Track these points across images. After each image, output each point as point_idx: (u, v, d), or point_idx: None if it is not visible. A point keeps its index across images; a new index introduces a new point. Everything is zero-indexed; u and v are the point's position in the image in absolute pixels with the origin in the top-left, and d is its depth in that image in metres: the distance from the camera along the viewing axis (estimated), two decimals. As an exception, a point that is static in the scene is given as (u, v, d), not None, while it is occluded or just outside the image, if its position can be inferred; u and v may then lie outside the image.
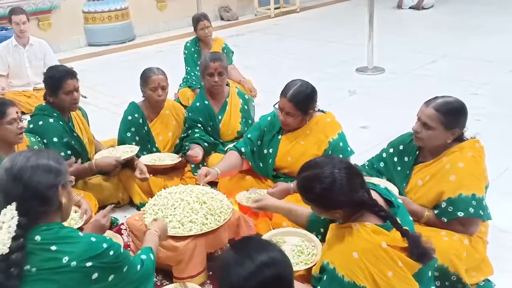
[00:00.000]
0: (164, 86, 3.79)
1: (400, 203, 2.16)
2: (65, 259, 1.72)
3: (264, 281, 1.54)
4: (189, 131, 3.97)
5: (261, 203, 2.74)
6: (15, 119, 2.99)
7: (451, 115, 2.55)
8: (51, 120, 3.46)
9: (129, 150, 3.66)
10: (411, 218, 2.17)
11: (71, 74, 3.49)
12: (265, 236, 2.74)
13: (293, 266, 2.45)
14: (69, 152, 3.46)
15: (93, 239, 1.83)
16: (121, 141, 3.85)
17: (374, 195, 2.07)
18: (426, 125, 2.58)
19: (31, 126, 3.46)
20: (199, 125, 3.98)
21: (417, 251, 1.94)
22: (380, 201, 2.07)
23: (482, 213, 2.50)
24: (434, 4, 11.54)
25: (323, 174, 1.98)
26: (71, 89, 3.46)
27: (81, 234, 1.85)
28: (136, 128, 3.82)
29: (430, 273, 2.10)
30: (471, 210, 2.47)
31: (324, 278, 2.02)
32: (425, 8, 11.43)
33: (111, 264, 1.83)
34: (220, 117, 4.04)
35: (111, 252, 1.83)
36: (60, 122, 3.50)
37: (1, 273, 1.67)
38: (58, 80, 3.44)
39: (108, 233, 2.97)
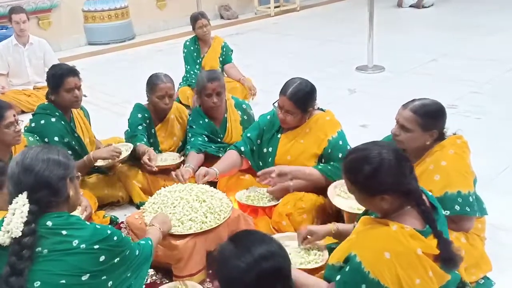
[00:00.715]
0: (171, 94, 3.77)
1: (442, 213, 2.12)
2: (75, 242, 1.85)
3: (262, 274, 1.54)
4: (192, 139, 3.83)
5: (312, 239, 2.61)
6: (12, 122, 2.98)
7: (428, 117, 2.56)
8: (53, 119, 3.46)
9: (124, 149, 3.64)
10: (447, 228, 2.12)
11: (73, 72, 3.50)
12: None
13: (305, 264, 2.47)
14: (69, 152, 3.44)
15: (97, 226, 1.97)
16: (132, 135, 3.77)
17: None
18: (404, 127, 2.58)
19: (32, 124, 3.47)
20: (204, 136, 3.88)
21: (445, 254, 1.91)
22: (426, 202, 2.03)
23: (468, 210, 2.49)
24: (434, 3, 11.52)
25: (371, 155, 1.95)
26: (72, 87, 3.46)
27: (87, 222, 1.99)
28: (146, 124, 3.80)
29: None
30: (457, 207, 2.48)
31: (347, 269, 1.97)
32: (425, 7, 11.41)
33: (115, 248, 1.96)
34: (221, 135, 3.94)
35: (115, 238, 1.97)
36: (62, 122, 3.50)
37: (14, 255, 1.79)
38: (59, 78, 3.45)
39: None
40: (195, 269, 2.70)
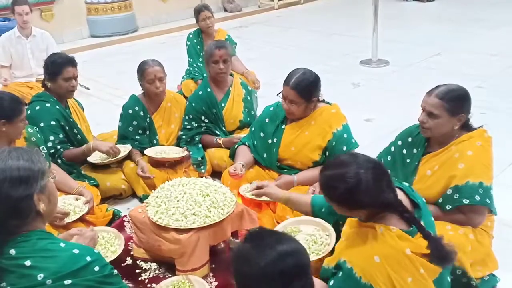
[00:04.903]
0: (161, 77, 3.75)
1: (422, 201, 2.12)
2: (40, 276, 1.54)
3: (285, 270, 1.51)
4: (193, 123, 3.97)
5: (262, 191, 2.73)
6: (25, 115, 3.02)
7: (455, 101, 2.55)
8: (47, 104, 3.53)
9: (122, 150, 3.67)
10: (432, 219, 2.13)
11: (72, 62, 3.58)
12: (282, 225, 2.76)
13: None
14: (63, 135, 3.54)
15: (75, 251, 1.61)
16: (123, 135, 3.83)
17: (400, 194, 2.02)
18: (432, 114, 2.57)
19: (28, 112, 3.49)
20: (203, 117, 3.98)
21: (438, 253, 1.90)
22: (406, 201, 2.02)
23: (488, 202, 2.48)
24: (439, -4, 11.49)
25: (348, 174, 1.90)
26: (70, 76, 3.54)
27: (62, 245, 1.64)
28: (138, 121, 3.81)
29: (449, 278, 2.07)
30: (477, 197, 2.46)
31: (339, 275, 1.98)
32: (430, 0, 11.37)
33: (97, 284, 1.60)
34: (222, 105, 4.06)
35: (96, 268, 1.61)
36: (57, 107, 3.55)
37: None
38: (59, 66, 3.52)
39: (112, 232, 2.96)
40: (198, 263, 2.69)
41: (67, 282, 1.54)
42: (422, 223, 1.96)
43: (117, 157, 3.57)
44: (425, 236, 1.93)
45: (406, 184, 2.19)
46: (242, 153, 3.44)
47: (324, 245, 2.55)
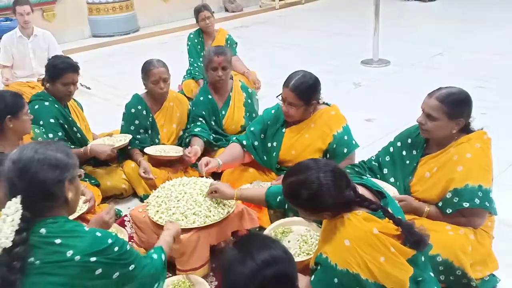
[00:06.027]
0: (165, 78, 3.76)
1: (391, 198, 2.15)
2: (69, 253, 1.71)
3: (266, 280, 1.53)
4: (192, 124, 3.97)
5: (216, 195, 2.76)
6: (28, 109, 3.06)
7: (454, 105, 2.55)
8: (46, 103, 3.55)
9: (122, 139, 3.69)
10: (398, 204, 2.18)
11: (74, 68, 3.58)
12: (273, 225, 2.78)
13: (295, 256, 2.48)
14: (62, 133, 3.54)
15: (98, 234, 1.80)
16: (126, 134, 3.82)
17: (362, 190, 2.06)
18: (430, 116, 2.58)
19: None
20: (203, 120, 3.96)
21: (412, 238, 1.94)
22: (368, 195, 2.07)
23: (488, 205, 2.48)
24: (440, -4, 11.49)
25: (309, 179, 1.95)
26: (69, 82, 3.56)
27: (86, 228, 1.82)
28: (140, 120, 3.81)
29: (423, 258, 2.09)
30: (477, 201, 2.46)
31: (319, 268, 2.03)
32: (431, 0, 11.36)
33: (115, 261, 1.80)
34: (223, 112, 4.02)
35: (116, 248, 1.80)
36: (56, 106, 3.57)
37: (4, 266, 1.66)
38: (60, 71, 3.54)
39: (113, 227, 2.98)
40: (199, 263, 2.70)
41: (93, 259, 1.73)
42: (390, 210, 2.00)
43: (118, 145, 3.59)
44: (396, 222, 1.96)
45: (365, 177, 2.26)
46: (229, 150, 3.40)
47: (314, 245, 2.58)
